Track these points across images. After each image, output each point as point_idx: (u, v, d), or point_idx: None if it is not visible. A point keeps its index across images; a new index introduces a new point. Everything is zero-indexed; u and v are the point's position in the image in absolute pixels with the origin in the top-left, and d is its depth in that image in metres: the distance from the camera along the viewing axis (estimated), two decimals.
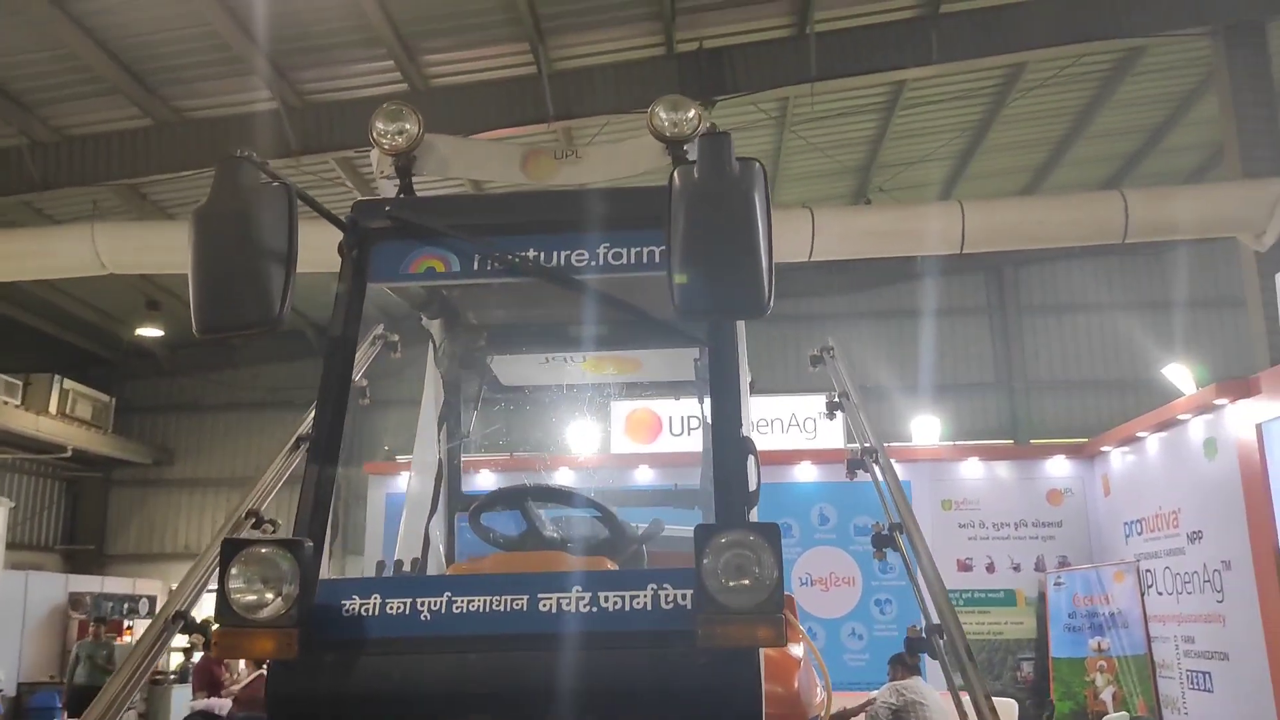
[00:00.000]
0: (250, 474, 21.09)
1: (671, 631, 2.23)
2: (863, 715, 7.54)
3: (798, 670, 2.90)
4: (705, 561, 2.14)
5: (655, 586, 2.28)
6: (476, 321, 3.70)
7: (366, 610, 2.29)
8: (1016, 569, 11.78)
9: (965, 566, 11.68)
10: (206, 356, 22.63)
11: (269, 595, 2.20)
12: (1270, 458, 8.20)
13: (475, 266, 2.73)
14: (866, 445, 3.59)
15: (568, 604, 2.26)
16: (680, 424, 11.95)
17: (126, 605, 18.30)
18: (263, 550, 2.24)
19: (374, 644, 2.26)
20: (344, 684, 2.24)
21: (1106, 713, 10.11)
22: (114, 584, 19.78)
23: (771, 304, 2.23)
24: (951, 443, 15.99)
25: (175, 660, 15.48)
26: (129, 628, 18.35)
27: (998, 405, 20.09)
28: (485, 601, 2.27)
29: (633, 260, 2.69)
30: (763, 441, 10.79)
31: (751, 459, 2.45)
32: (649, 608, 2.26)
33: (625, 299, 2.79)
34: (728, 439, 2.45)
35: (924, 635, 2.82)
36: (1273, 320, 11.63)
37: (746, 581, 2.13)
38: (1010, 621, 11.53)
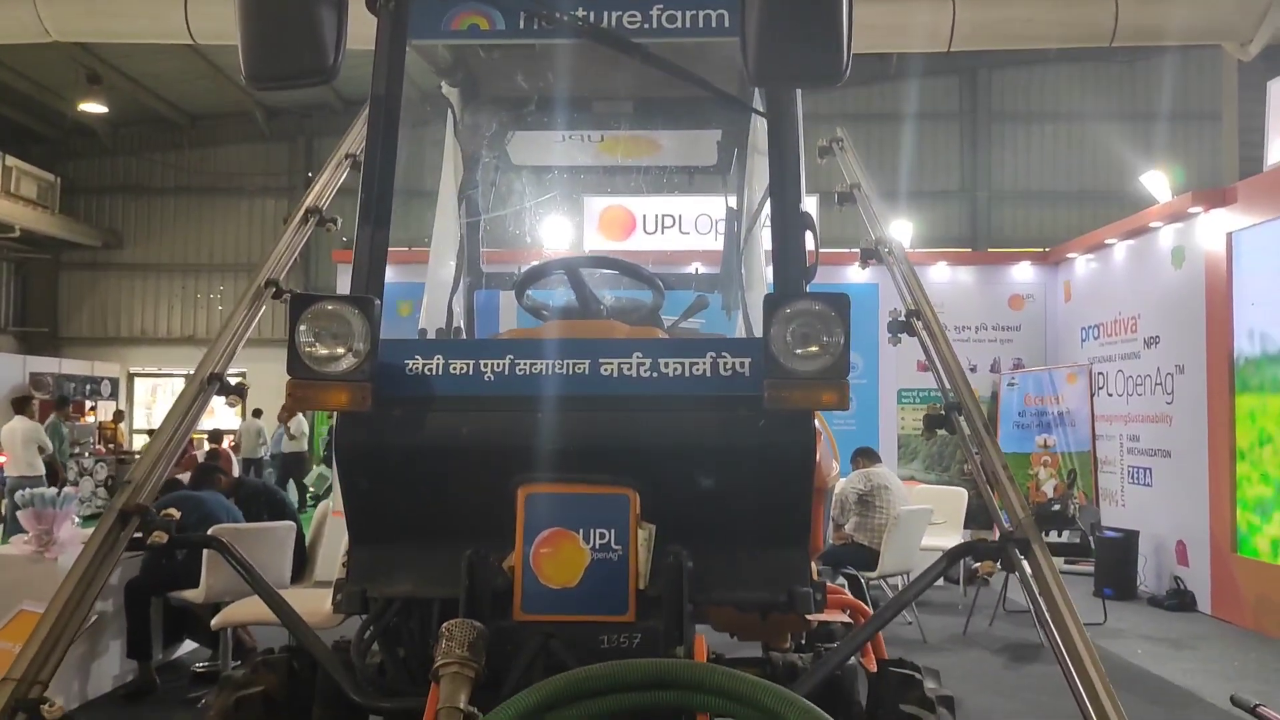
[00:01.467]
0: (204, 260, 21.04)
1: (730, 396, 2.30)
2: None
3: (820, 441, 3.00)
4: (774, 329, 2.19)
5: (714, 354, 2.33)
6: (501, 92, 3.56)
7: (430, 370, 2.31)
8: (973, 370, 12.18)
9: (924, 367, 12.07)
10: (152, 135, 21.77)
11: (340, 350, 2.21)
12: (1236, 267, 8.44)
13: (521, 25, 2.60)
14: (878, 236, 3.59)
15: (629, 369, 2.31)
16: (654, 222, 11.86)
17: (89, 386, 18.30)
18: (330, 307, 2.23)
19: (440, 401, 2.30)
20: (412, 438, 2.29)
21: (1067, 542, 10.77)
22: (72, 366, 19.72)
23: (848, 73, 2.17)
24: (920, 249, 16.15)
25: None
26: (92, 408, 18.48)
27: (960, 213, 20.25)
28: (548, 365, 2.30)
29: (688, 24, 2.59)
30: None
31: (809, 233, 2.45)
32: (708, 374, 2.32)
33: (672, 66, 2.68)
34: (788, 211, 2.44)
35: (944, 413, 2.91)
36: (1248, 132, 11.70)
37: (814, 348, 2.18)
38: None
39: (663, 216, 11.89)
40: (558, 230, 11.08)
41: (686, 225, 11.77)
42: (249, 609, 4.95)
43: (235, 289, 22.11)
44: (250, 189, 21.79)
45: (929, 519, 7.92)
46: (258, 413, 17.97)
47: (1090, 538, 9.36)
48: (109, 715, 5.60)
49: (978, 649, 7.34)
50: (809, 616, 2.85)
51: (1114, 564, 9.41)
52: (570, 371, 2.31)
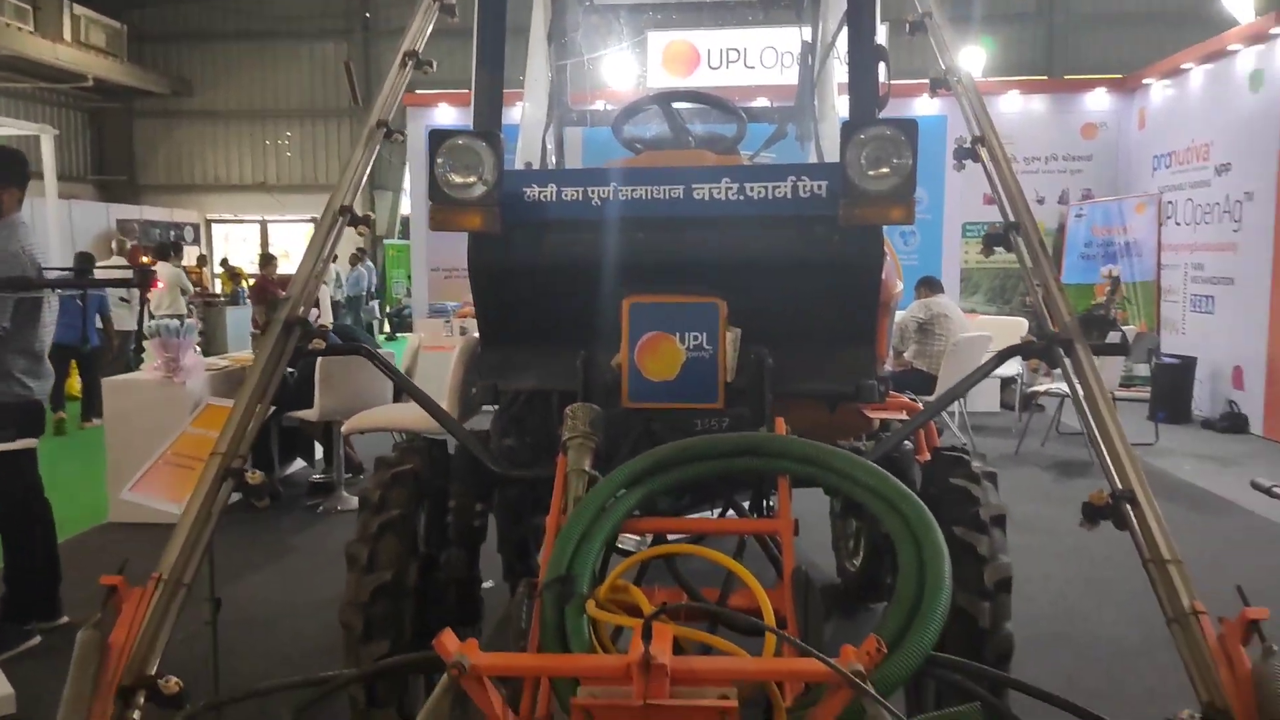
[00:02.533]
0: (269, 106, 21.16)
1: (809, 216, 2.62)
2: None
3: (885, 261, 3.30)
4: (849, 153, 2.48)
5: (794, 178, 2.64)
6: None
7: (546, 196, 2.66)
8: (1041, 202, 12.17)
9: (989, 200, 12.06)
10: None
11: (471, 179, 2.56)
12: None
13: None
14: (948, 65, 3.73)
15: (718, 193, 2.62)
16: (719, 56, 11.79)
17: (173, 232, 19.02)
18: (462, 141, 2.57)
19: (555, 223, 2.65)
20: (533, 255, 2.66)
21: (1106, 343, 10.95)
22: (152, 213, 20.44)
23: None
24: (991, 78, 15.75)
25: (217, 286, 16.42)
26: (149, 258, 19.20)
27: (1036, 37, 19.51)
28: (647, 190, 2.63)
29: None
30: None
31: (882, 64, 2.69)
32: (788, 196, 2.63)
33: None
34: (863, 43, 2.67)
35: (1002, 232, 3.15)
36: None
37: (885, 170, 2.47)
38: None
39: (727, 50, 11.79)
40: (624, 68, 11.09)
41: (751, 59, 11.68)
42: (374, 417, 5.55)
43: (301, 135, 22.48)
44: (309, 32, 21.79)
45: (986, 346, 8.18)
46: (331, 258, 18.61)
47: (1150, 360, 9.61)
48: (239, 520, 6.32)
49: (1030, 466, 7.75)
50: (870, 412, 3.23)
51: (1170, 389, 9.66)
52: (667, 196, 2.63)
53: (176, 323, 6.26)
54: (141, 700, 1.99)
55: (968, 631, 2.46)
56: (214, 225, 22.87)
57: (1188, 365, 9.80)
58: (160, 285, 11.49)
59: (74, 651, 2.00)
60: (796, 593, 2.09)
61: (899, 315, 8.48)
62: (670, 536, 2.57)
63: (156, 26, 22.02)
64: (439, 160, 2.57)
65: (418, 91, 13.67)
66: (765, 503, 2.60)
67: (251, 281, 16.26)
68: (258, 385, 2.67)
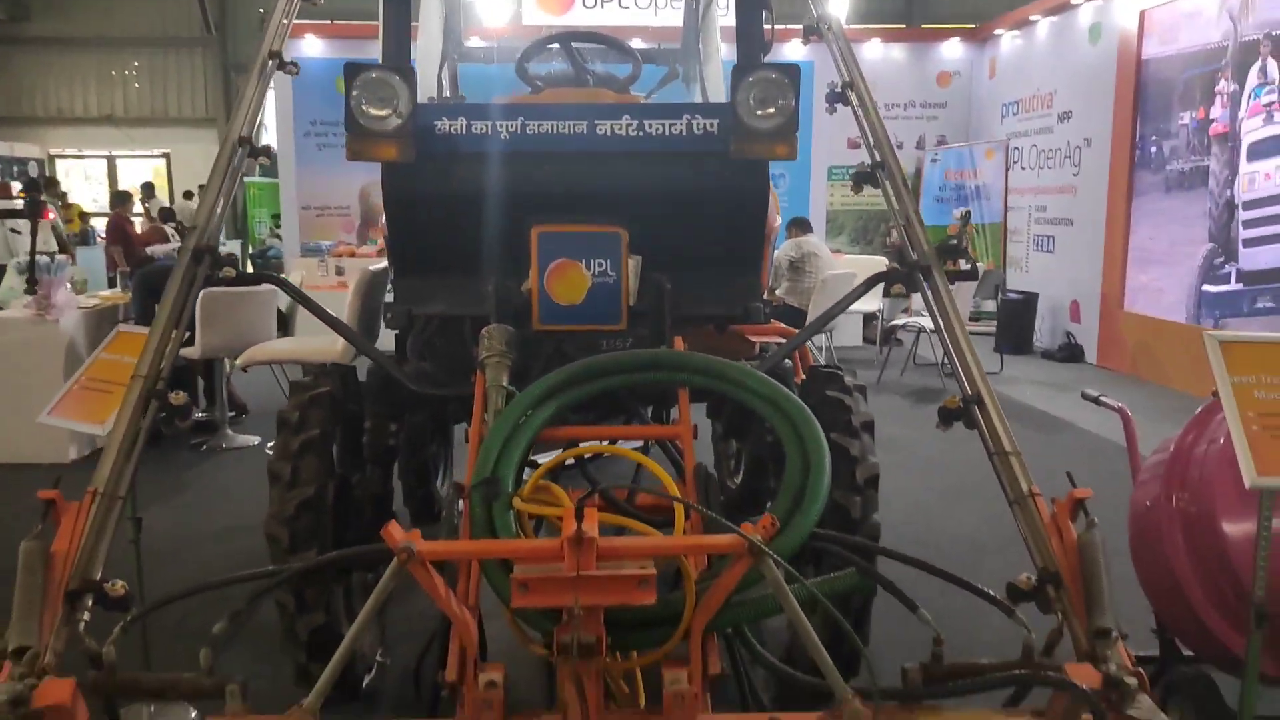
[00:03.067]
0: (116, 34, 19.99)
1: (703, 152, 2.86)
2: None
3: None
4: (739, 94, 2.71)
5: (689, 116, 2.86)
6: None
7: (456, 129, 2.81)
8: (900, 147, 12.72)
9: (854, 144, 12.59)
10: None
11: (385, 111, 2.67)
12: (1145, 43, 8.98)
13: None
14: (819, 13, 3.99)
15: (619, 129, 2.83)
16: None
17: (15, 168, 17.85)
18: (375, 74, 2.68)
19: (465, 155, 2.81)
20: (444, 186, 2.81)
21: (959, 269, 11.70)
22: None
23: None
24: (849, 26, 16.25)
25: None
26: (22, 191, 18.07)
27: None
28: (553, 125, 2.81)
29: None
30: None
31: (766, 12, 2.92)
32: (683, 133, 2.86)
33: None
34: None
35: (870, 171, 3.40)
36: None
37: (771, 110, 2.73)
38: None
39: None
40: (498, 6, 11.04)
41: (626, 0, 11.77)
42: (270, 350, 5.59)
43: (151, 65, 21.29)
44: None
45: (852, 282, 8.68)
46: (189, 195, 17.85)
47: (996, 295, 10.36)
48: None
49: (889, 394, 8.33)
50: (752, 337, 3.53)
51: (1014, 323, 10.45)
52: (571, 131, 2.82)
53: (48, 259, 6.07)
54: (89, 604, 2.12)
55: (842, 521, 2.79)
56: (58, 160, 21.49)
57: (1030, 300, 10.60)
58: (51, 216, 10.95)
59: (19, 561, 2.10)
60: (698, 485, 2.37)
61: (777, 253, 8.90)
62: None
63: None
64: (354, 93, 2.68)
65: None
66: (665, 415, 2.86)
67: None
68: (173, 310, 2.74)
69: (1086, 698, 1.86)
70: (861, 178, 3.35)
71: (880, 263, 11.21)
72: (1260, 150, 7.58)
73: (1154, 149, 8.82)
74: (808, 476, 2.22)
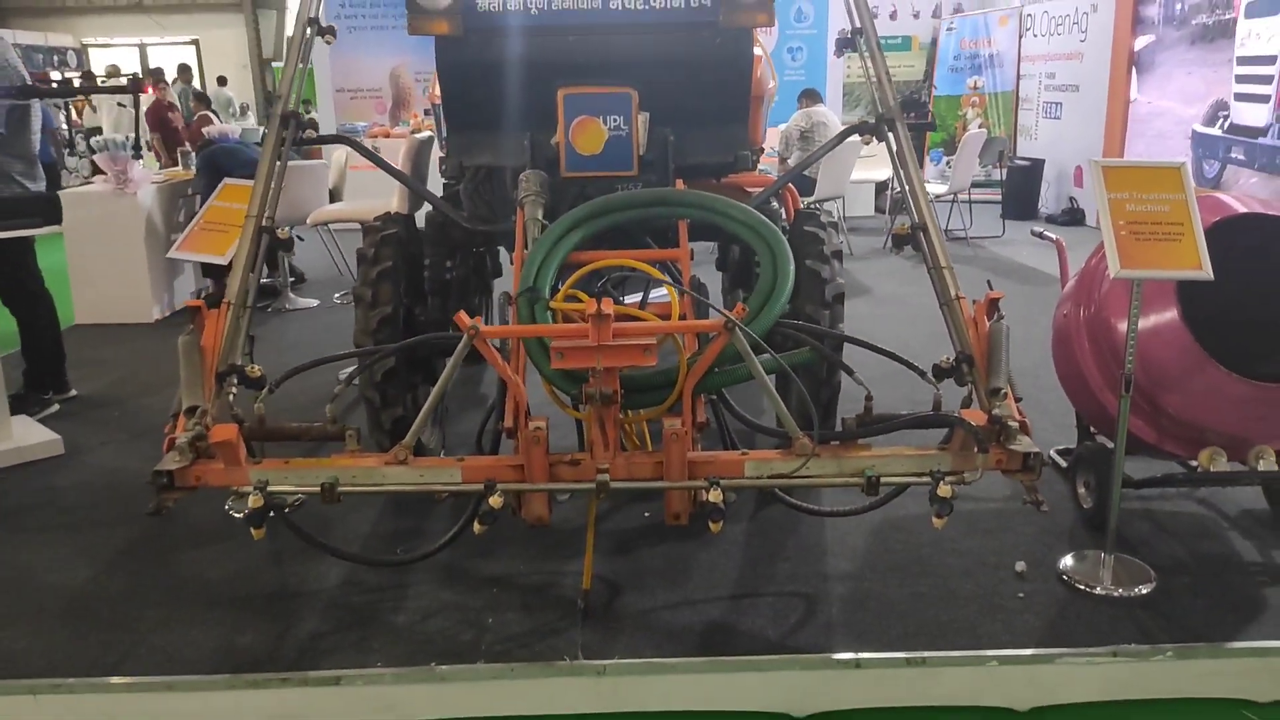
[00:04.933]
0: None
1: (699, 21, 3.43)
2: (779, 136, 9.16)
3: (760, 62, 4.12)
4: None
5: None
6: None
7: (495, 6, 3.39)
8: (916, 16, 13.00)
9: (871, 11, 12.81)
10: None
11: None
12: None
13: None
14: None
15: (630, 3, 3.40)
16: None
17: (55, 57, 18.33)
18: None
19: (502, 30, 3.39)
20: (486, 54, 3.41)
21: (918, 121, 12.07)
22: (25, 37, 19.51)
23: None
24: None
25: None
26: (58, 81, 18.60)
27: None
28: (574, 2, 3.38)
29: None
30: None
31: None
32: (683, 6, 3.42)
33: None
34: None
35: (850, 37, 3.92)
36: None
37: None
38: (903, 65, 13.02)
39: None
40: None
41: None
42: (335, 211, 6.29)
43: None
44: None
45: (859, 152, 9.15)
46: (223, 80, 18.29)
47: (1002, 161, 10.80)
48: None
49: (892, 258, 8.91)
50: (747, 186, 4.13)
51: (1020, 189, 10.89)
52: (589, 6, 3.40)
53: (121, 138, 6.72)
54: (234, 382, 2.85)
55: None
56: (90, 50, 21.91)
57: (1036, 166, 11.01)
58: (149, 90, 11.66)
59: (180, 351, 2.82)
60: (693, 289, 3.04)
61: (783, 126, 9.37)
62: None
63: None
64: None
65: None
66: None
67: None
68: (270, 164, 3.39)
69: (972, 430, 2.54)
70: (842, 43, 3.90)
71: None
72: (1257, 8, 7.90)
73: (1166, 7, 9.05)
74: (775, 281, 2.89)
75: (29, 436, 4.28)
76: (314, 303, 7.39)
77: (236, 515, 3.56)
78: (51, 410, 4.87)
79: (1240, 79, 8.07)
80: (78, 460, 4.25)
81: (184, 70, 16.43)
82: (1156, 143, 9.19)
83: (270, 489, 2.50)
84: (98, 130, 13.94)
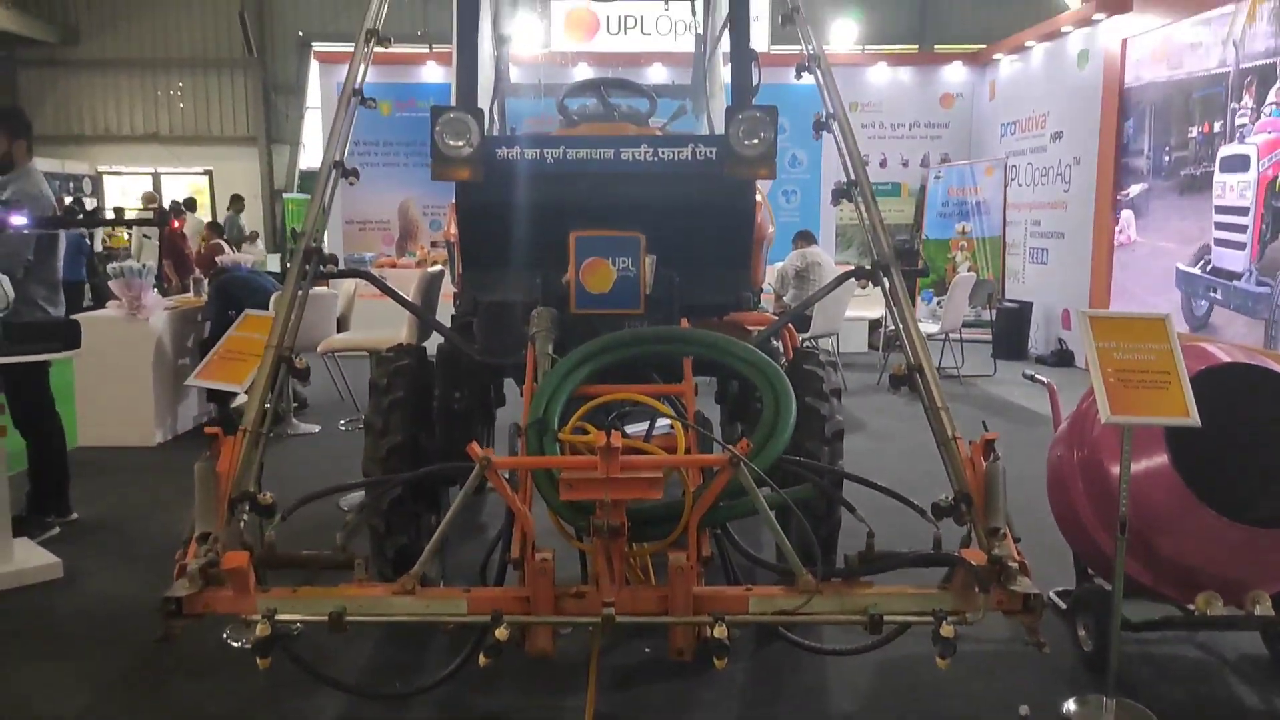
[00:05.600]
0: (160, 55, 21.11)
1: (704, 173, 3.63)
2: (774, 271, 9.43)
3: (760, 209, 4.33)
4: (731, 128, 3.49)
5: (693, 145, 3.64)
6: None
7: (515, 156, 3.59)
8: (905, 165, 13.56)
9: (863, 162, 13.35)
10: None
11: (461, 142, 3.46)
12: (1128, 71, 9.69)
13: None
14: (812, 52, 4.73)
15: (639, 155, 3.60)
16: (617, 23, 12.69)
17: (72, 184, 18.87)
18: (453, 115, 3.47)
19: (520, 176, 3.59)
20: (504, 199, 3.60)
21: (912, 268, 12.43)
22: (43, 164, 20.05)
23: None
24: (863, 48, 17.10)
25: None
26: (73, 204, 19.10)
27: (910, 7, 20.89)
28: (587, 152, 3.58)
29: None
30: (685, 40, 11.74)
31: (754, 65, 3.69)
32: (689, 158, 3.63)
33: None
34: (741, 49, 3.67)
35: (845, 188, 4.12)
36: None
37: (756, 141, 3.50)
38: (894, 210, 13.51)
39: (625, 18, 12.68)
40: (530, 32, 11.87)
41: (648, 27, 12.60)
42: (346, 340, 6.41)
43: (194, 86, 22.33)
44: None
45: (853, 291, 9.41)
46: (238, 202, 18.81)
47: (991, 303, 11.07)
48: (200, 444, 7.06)
49: (884, 395, 9.04)
50: (748, 325, 4.28)
51: (1010, 330, 11.14)
52: (602, 157, 3.61)
53: (137, 264, 6.91)
54: (246, 509, 2.90)
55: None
56: (105, 177, 22.57)
57: (1025, 309, 11.29)
58: (178, 225, 12.00)
59: (196, 477, 2.88)
60: (697, 424, 3.13)
61: (779, 264, 9.66)
62: None
63: None
64: (437, 128, 3.49)
65: (320, 50, 14.13)
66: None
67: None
68: (291, 295, 3.52)
69: (973, 570, 2.58)
70: (838, 194, 4.10)
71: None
72: (1230, 165, 8.30)
73: (1154, 159, 9.47)
74: (777, 418, 2.98)
75: (29, 559, 4.28)
76: (316, 428, 7.46)
77: (234, 644, 3.55)
78: (52, 533, 4.88)
79: (1219, 226, 8.41)
80: (76, 584, 4.24)
81: (189, 204, 16.97)
82: (1163, 279, 9.42)
83: (278, 617, 2.51)
84: (125, 249, 14.33)
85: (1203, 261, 8.68)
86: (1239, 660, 3.54)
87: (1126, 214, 9.58)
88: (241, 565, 2.60)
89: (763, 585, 2.71)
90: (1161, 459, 3.08)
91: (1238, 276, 8.18)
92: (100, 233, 14.21)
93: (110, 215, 12.11)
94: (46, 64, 22.00)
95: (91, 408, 6.72)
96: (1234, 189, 8.21)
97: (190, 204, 14.09)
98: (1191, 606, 3.19)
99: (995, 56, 12.76)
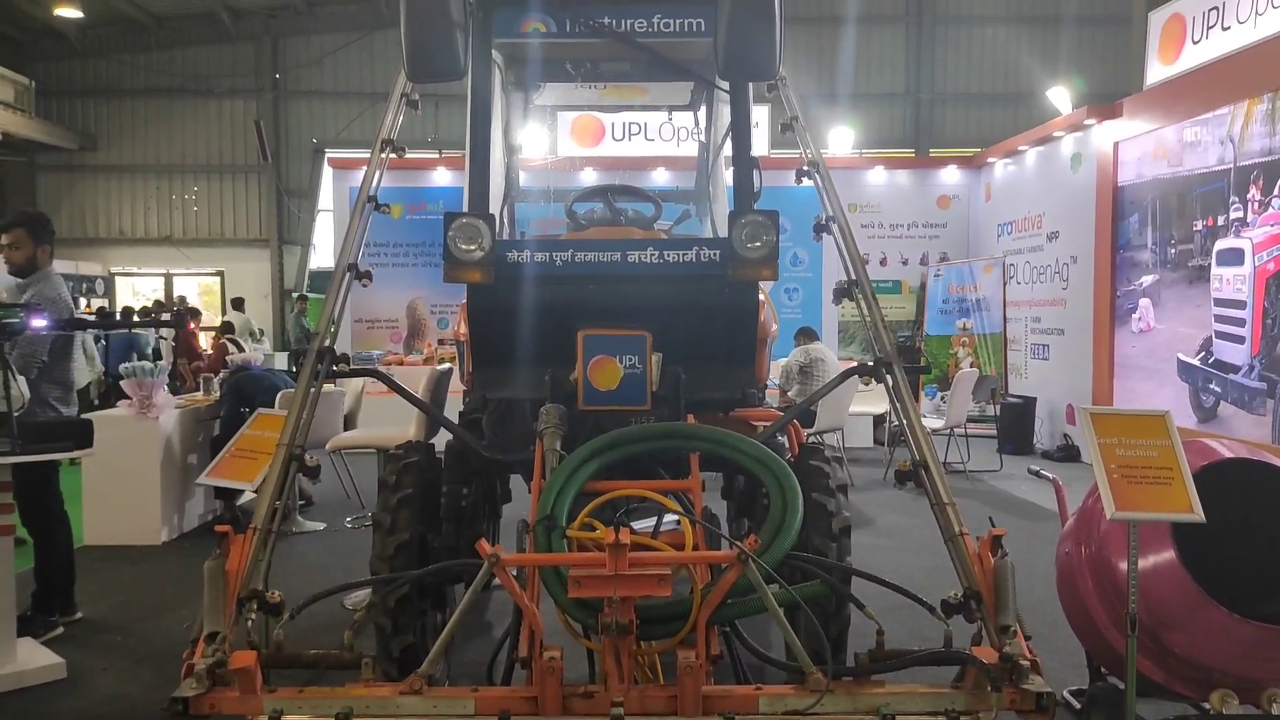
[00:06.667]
0: (175, 161, 21.74)
1: (708, 274, 3.72)
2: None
3: (763, 308, 4.42)
4: (734, 232, 3.60)
5: (697, 248, 3.75)
6: (537, 56, 4.83)
7: (523, 258, 3.69)
8: (905, 263, 13.78)
9: (863, 261, 13.58)
10: (121, 38, 22.14)
11: (472, 247, 3.57)
12: (1120, 171, 9.95)
13: (567, 28, 3.90)
14: (812, 158, 4.87)
15: (645, 257, 3.71)
16: (621, 130, 13.08)
17: (85, 285, 19.18)
18: (466, 220, 3.59)
19: (529, 278, 3.68)
20: (513, 300, 3.69)
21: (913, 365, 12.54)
22: (57, 265, 20.43)
23: (780, 70, 3.53)
24: (860, 151, 17.58)
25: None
26: (88, 307, 19.41)
27: (904, 115, 21.53)
28: (595, 255, 3.69)
29: (678, 28, 3.92)
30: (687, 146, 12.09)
31: (756, 171, 3.83)
32: (693, 260, 3.73)
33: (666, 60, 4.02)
34: (743, 156, 3.81)
35: (846, 287, 4.21)
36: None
37: (758, 244, 3.60)
38: (895, 306, 13.68)
39: (629, 125, 13.07)
40: (537, 139, 12.19)
41: (651, 133, 12.98)
42: (354, 438, 6.44)
43: (208, 190, 22.88)
44: (218, 90, 22.36)
45: (856, 386, 9.49)
46: (239, 304, 19.06)
47: (992, 399, 11.14)
48: (205, 542, 7.04)
49: (892, 489, 9.02)
50: (754, 420, 4.32)
51: (1015, 425, 11.16)
52: (609, 259, 3.71)
53: (148, 364, 7.00)
54: (254, 607, 2.90)
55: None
56: (118, 279, 22.93)
57: (1029, 404, 11.33)
58: (193, 326, 12.27)
59: (205, 576, 2.89)
60: (705, 519, 3.15)
61: (783, 361, 9.75)
62: None
63: (64, 81, 22.27)
64: (450, 233, 3.60)
65: (334, 156, 14.55)
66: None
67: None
68: (304, 394, 3.58)
69: (985, 669, 2.57)
70: (839, 293, 4.19)
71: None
72: (1225, 259, 8.44)
73: (1159, 253, 9.61)
74: (784, 515, 3.00)
75: (32, 660, 4.24)
76: (320, 526, 7.44)
77: None
78: (57, 632, 4.85)
79: (1218, 319, 8.51)
80: (79, 685, 4.20)
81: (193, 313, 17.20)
82: (1150, 382, 9.51)
83: (284, 719, 2.50)
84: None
85: (1203, 354, 8.75)
86: None
87: (1144, 302, 9.66)
88: (249, 665, 2.59)
89: (773, 684, 2.70)
90: (1169, 555, 3.08)
91: (1237, 370, 8.24)
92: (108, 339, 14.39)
93: (125, 316, 12.38)
94: (64, 169, 22.59)
95: (98, 506, 6.73)
96: (1230, 282, 8.33)
97: (194, 312, 14.39)
98: (1207, 705, 3.15)
99: (989, 160, 13.09)
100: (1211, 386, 8.57)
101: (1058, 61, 19.24)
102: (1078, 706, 3.80)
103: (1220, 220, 8.58)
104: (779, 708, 2.58)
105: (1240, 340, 8.23)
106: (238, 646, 2.72)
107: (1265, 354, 7.95)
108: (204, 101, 22.47)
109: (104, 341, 7.56)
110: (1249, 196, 8.17)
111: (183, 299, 16.88)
